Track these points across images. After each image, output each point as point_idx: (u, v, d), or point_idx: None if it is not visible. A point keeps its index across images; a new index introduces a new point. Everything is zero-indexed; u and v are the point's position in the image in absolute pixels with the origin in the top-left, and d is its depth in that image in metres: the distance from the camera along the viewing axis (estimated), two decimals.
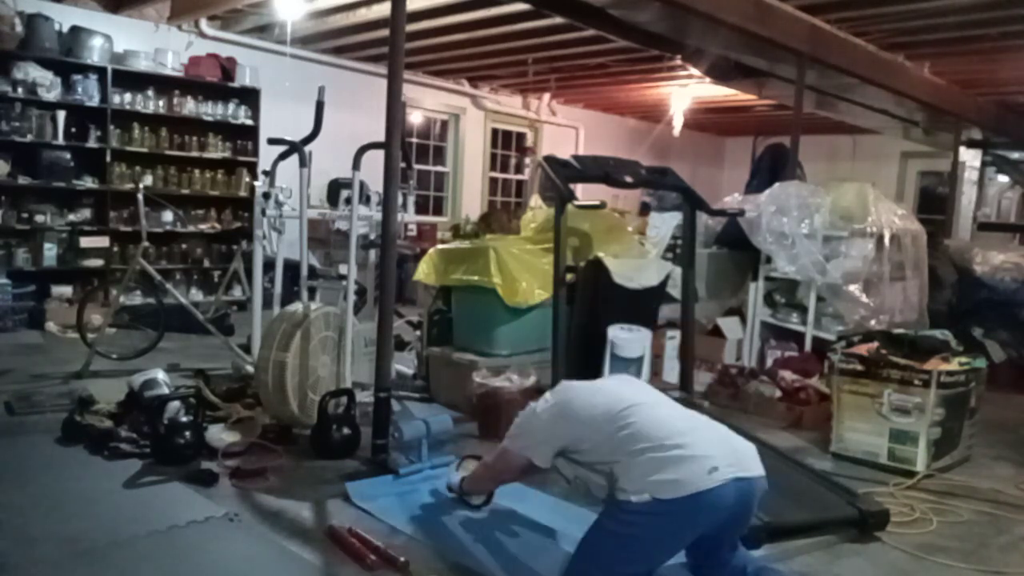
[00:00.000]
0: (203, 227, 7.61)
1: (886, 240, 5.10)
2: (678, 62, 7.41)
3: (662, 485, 2.12)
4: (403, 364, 5.06)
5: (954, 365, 3.80)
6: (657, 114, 10.89)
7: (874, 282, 5.09)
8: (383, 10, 6.57)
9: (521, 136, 11.37)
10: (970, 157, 9.55)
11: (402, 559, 2.56)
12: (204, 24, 7.59)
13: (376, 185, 3.98)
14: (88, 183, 6.83)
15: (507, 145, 11.27)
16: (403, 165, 4.07)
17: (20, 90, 6.37)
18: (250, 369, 4.45)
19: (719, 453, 2.18)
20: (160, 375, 4.02)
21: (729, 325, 5.69)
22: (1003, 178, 9.70)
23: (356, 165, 4.10)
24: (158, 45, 7.29)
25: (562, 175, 3.66)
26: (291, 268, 4.45)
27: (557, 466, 2.49)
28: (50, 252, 6.65)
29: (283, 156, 4.45)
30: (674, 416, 2.34)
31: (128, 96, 6.97)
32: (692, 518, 2.15)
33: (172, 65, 7.30)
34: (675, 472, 2.12)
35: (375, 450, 3.52)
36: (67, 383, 4.65)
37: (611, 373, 3.83)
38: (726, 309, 5.91)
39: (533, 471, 2.61)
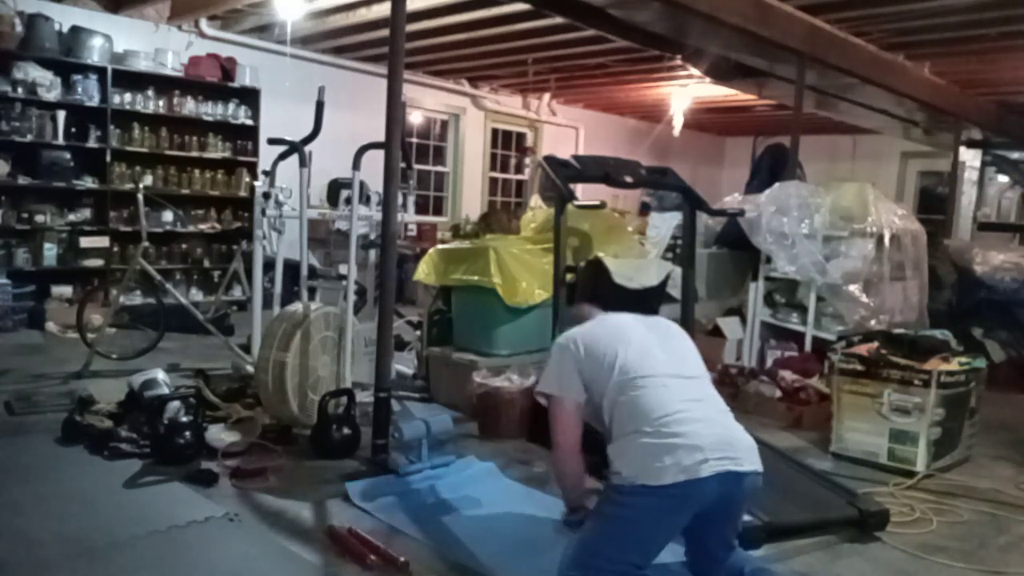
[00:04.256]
0: (203, 227, 7.61)
1: (886, 240, 5.10)
2: (678, 62, 7.41)
3: (652, 472, 2.15)
4: (403, 364, 5.06)
5: (954, 365, 3.80)
6: (657, 114, 10.89)
7: (874, 282, 5.09)
8: (383, 10, 6.57)
9: (521, 136, 11.37)
10: (970, 157, 9.54)
11: (402, 559, 2.56)
12: (204, 24, 7.59)
13: (376, 185, 3.98)
14: (88, 183, 6.83)
15: (507, 145, 11.27)
16: (403, 165, 4.07)
17: (20, 90, 6.37)
18: (250, 369, 4.45)
19: (714, 445, 2.19)
20: (160, 375, 4.02)
21: (729, 325, 5.69)
22: (1003, 178, 9.69)
23: (356, 165, 4.10)
24: (158, 45, 7.29)
25: (562, 175, 3.66)
26: (291, 268, 4.45)
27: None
28: (50, 252, 6.65)
29: (283, 156, 4.45)
30: (682, 397, 2.31)
31: (128, 96, 6.97)
32: (679, 504, 2.18)
33: (172, 65, 7.30)
34: (666, 459, 2.15)
35: (375, 450, 3.52)
36: (67, 383, 4.65)
37: None
38: (726, 309, 5.91)
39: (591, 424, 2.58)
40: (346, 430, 3.64)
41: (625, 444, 2.24)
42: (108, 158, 6.87)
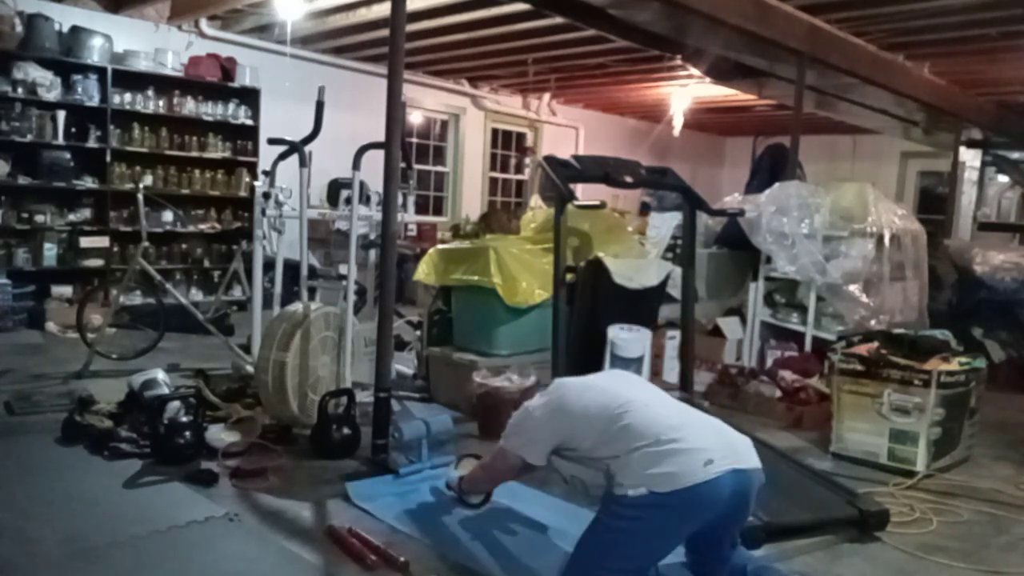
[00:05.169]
0: (203, 227, 7.61)
1: (886, 240, 5.10)
2: (678, 62, 7.41)
3: (658, 478, 2.13)
4: (403, 364, 5.06)
5: (954, 365, 3.80)
6: (657, 114, 10.89)
7: (874, 282, 5.09)
8: (383, 10, 6.57)
9: (521, 136, 11.37)
10: (970, 157, 9.55)
11: (402, 559, 2.56)
12: (204, 24, 7.59)
13: (376, 185, 3.98)
14: (88, 183, 6.83)
15: (507, 145, 11.27)
16: (403, 165, 4.07)
17: (20, 90, 6.37)
18: (250, 369, 4.45)
19: (714, 446, 2.20)
20: (160, 375, 4.02)
21: (729, 325, 5.69)
22: (1003, 178, 9.70)
23: (356, 165, 4.10)
24: (158, 45, 7.29)
25: (562, 175, 3.66)
26: (291, 268, 4.45)
27: (554, 465, 2.50)
28: (50, 252, 6.65)
29: (283, 156, 4.45)
30: (669, 412, 2.35)
31: (128, 96, 6.97)
32: (688, 511, 2.16)
33: (172, 65, 7.30)
34: (671, 465, 2.14)
35: (375, 450, 3.52)
36: (67, 383, 4.65)
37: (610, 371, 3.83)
38: (726, 309, 5.91)
39: (529, 470, 2.62)
40: (346, 430, 3.64)
41: (627, 459, 2.22)
42: (108, 158, 6.87)
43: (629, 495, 2.16)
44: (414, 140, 9.99)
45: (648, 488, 2.13)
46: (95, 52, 6.74)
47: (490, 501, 3.05)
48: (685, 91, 9.26)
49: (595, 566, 2.23)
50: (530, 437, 2.48)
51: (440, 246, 5.15)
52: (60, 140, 6.65)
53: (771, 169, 6.62)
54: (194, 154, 7.48)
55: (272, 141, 4.47)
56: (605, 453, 2.29)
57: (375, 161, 3.72)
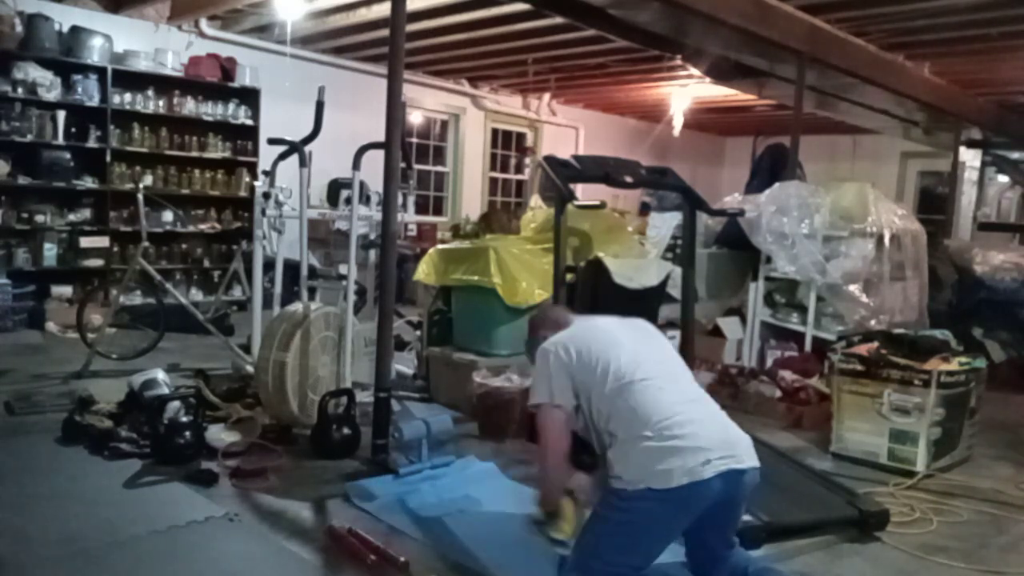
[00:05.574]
0: (203, 227, 7.61)
1: (886, 240, 5.10)
2: (678, 62, 7.41)
3: (657, 475, 2.15)
4: (403, 364, 5.06)
5: (954, 365, 3.80)
6: (657, 114, 10.89)
7: (874, 282, 5.09)
8: (383, 10, 6.57)
9: (521, 136, 11.36)
10: (970, 157, 9.56)
11: (402, 559, 2.56)
12: (204, 24, 7.59)
13: (376, 185, 3.98)
14: (88, 183, 6.82)
15: (507, 145, 11.27)
16: (403, 165, 4.07)
17: (20, 90, 6.37)
18: (250, 369, 4.45)
19: (715, 445, 2.20)
20: (160, 375, 4.02)
21: (729, 325, 5.70)
22: (1003, 178, 9.71)
23: (356, 165, 4.10)
24: (158, 45, 7.29)
25: (562, 175, 3.66)
26: (291, 268, 4.45)
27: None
28: (50, 252, 6.65)
29: (283, 156, 4.45)
30: (680, 400, 2.32)
31: (128, 96, 6.97)
32: (684, 506, 2.18)
33: (172, 65, 7.30)
34: (670, 463, 2.14)
35: (375, 450, 3.52)
36: (67, 383, 4.65)
37: None
38: (726, 309, 5.91)
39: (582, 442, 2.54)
40: (346, 430, 3.64)
41: (627, 449, 2.24)
42: (108, 158, 6.87)
43: (628, 489, 2.18)
44: (414, 140, 9.99)
45: (646, 484, 2.15)
46: (95, 52, 6.74)
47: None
48: (685, 91, 9.25)
49: (596, 560, 2.24)
50: (553, 378, 2.40)
51: (440, 246, 5.15)
52: (60, 140, 6.65)
53: (771, 169, 6.62)
54: (194, 154, 7.48)
55: (272, 141, 4.48)
56: (605, 424, 2.30)
57: (375, 161, 3.72)
